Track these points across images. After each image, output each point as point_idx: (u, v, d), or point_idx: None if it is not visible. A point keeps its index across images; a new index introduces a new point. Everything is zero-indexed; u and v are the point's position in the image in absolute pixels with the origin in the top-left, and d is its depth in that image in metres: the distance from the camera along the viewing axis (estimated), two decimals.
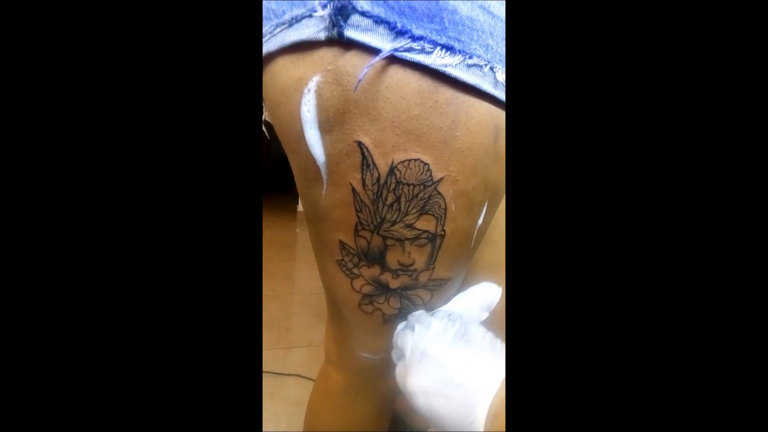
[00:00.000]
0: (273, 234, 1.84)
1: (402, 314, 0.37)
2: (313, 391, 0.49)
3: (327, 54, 0.26)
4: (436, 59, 0.25)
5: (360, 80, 0.25)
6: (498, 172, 0.31)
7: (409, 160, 0.28)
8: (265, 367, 1.01)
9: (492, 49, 0.26)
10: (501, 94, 0.27)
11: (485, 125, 0.28)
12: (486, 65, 0.26)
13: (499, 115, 0.28)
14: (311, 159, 0.30)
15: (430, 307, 0.37)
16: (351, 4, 0.24)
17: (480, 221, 0.33)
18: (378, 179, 0.29)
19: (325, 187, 0.31)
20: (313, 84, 0.27)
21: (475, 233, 0.34)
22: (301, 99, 0.28)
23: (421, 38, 0.24)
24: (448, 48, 0.25)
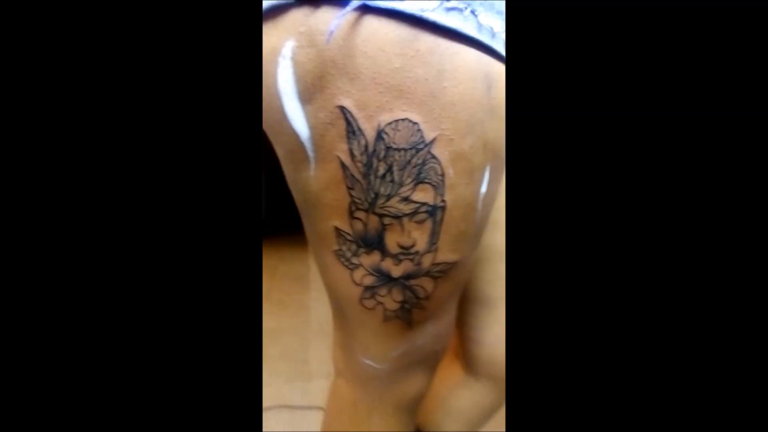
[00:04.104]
0: (286, 268, 1.84)
1: (404, 310, 0.33)
2: (326, 407, 0.45)
3: (298, 15, 0.25)
4: (412, 4, 0.23)
5: (332, 32, 0.23)
6: (497, 129, 0.28)
7: (397, 121, 0.26)
8: (284, 401, 0.97)
9: None
10: (487, 39, 0.25)
11: (475, 74, 0.26)
12: (466, 8, 0.24)
13: (489, 63, 0.26)
14: (295, 136, 0.28)
15: (434, 300, 0.33)
16: None
17: (483, 189, 0.30)
18: (366, 147, 0.27)
19: (313, 167, 0.29)
20: (287, 50, 0.25)
21: (480, 204, 0.31)
22: (277, 70, 0.26)
23: None
24: None
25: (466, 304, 0.47)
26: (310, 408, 0.96)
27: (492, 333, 0.47)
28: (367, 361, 0.38)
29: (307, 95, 0.26)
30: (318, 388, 1.04)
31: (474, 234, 0.32)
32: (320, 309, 1.46)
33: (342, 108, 0.26)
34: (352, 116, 0.26)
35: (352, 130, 0.26)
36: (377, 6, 0.23)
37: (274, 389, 1.04)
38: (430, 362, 0.39)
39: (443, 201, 0.29)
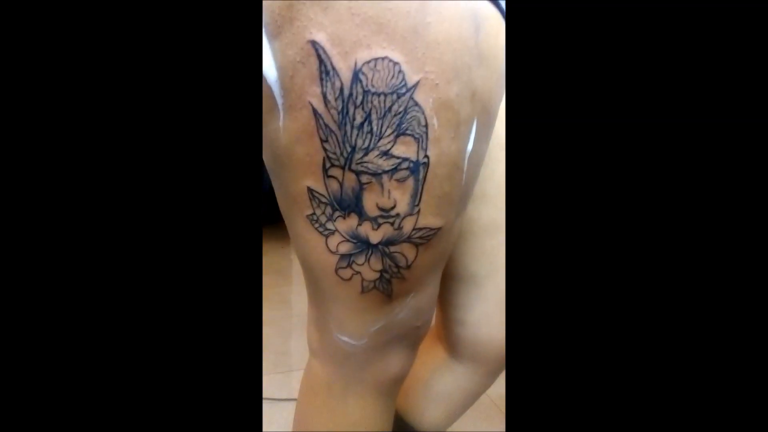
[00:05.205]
0: (268, 261, 1.80)
1: (383, 281, 0.31)
2: (300, 389, 0.42)
3: None
4: None
5: None
6: (485, 78, 0.26)
7: (376, 60, 0.23)
8: (264, 394, 0.94)
9: None
10: None
11: (462, 11, 0.23)
12: None
13: (477, 3, 0.24)
14: (263, 80, 0.25)
15: (415, 270, 0.31)
16: None
17: (470, 146, 0.28)
18: (341, 90, 0.24)
19: (282, 116, 0.26)
20: None
21: (466, 164, 0.28)
22: None
23: None
24: None
25: (448, 281, 0.44)
26: (289, 400, 0.94)
27: (476, 312, 0.45)
28: (344, 338, 0.35)
29: (275, 28, 0.23)
30: (298, 380, 1.02)
31: (459, 198, 0.30)
32: (302, 302, 1.43)
33: (314, 43, 0.23)
34: (326, 53, 0.23)
35: (325, 69, 0.23)
36: None
37: None
38: (410, 339, 0.37)
39: (426, 156, 0.26)
